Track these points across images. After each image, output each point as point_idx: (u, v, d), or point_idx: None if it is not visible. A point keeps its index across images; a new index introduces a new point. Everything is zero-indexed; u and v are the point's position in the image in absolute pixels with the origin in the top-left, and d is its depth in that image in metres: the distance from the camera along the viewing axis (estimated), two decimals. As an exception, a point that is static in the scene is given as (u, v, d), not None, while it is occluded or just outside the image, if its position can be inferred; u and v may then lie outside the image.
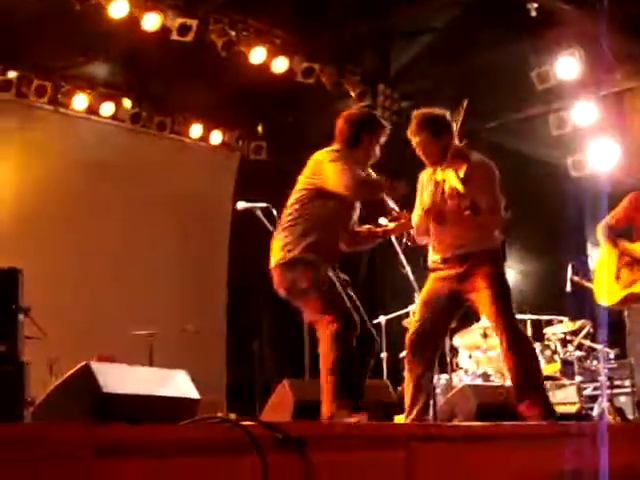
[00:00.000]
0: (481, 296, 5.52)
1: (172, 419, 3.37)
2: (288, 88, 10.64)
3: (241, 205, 6.62)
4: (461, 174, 5.50)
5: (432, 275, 5.76)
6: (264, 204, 6.47)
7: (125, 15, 8.83)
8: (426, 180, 5.77)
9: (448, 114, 5.77)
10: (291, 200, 5.44)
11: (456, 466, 3.80)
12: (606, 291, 7.22)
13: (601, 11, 10.58)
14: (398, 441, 3.50)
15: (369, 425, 4.05)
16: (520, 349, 5.43)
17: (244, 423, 3.01)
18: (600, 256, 7.48)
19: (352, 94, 10.82)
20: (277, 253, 5.33)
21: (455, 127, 5.69)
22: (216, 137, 11.66)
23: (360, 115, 5.63)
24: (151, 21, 8.98)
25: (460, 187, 5.42)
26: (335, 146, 5.45)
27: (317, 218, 5.32)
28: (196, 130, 11.45)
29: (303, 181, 5.41)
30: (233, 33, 9.56)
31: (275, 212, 6.37)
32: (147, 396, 3.97)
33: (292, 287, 5.27)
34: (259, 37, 9.85)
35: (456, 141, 5.68)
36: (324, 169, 5.28)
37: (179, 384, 4.35)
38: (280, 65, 10.10)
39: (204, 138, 11.59)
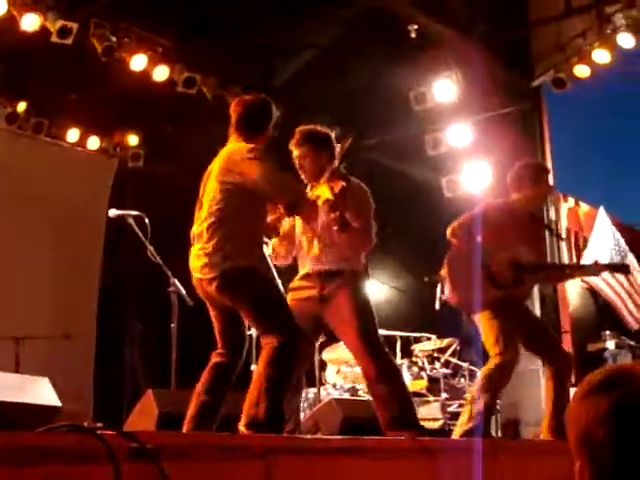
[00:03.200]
0: (343, 321, 5.49)
1: (30, 426, 3.31)
2: (169, 97, 10.57)
3: (113, 212, 6.54)
4: (336, 190, 5.51)
5: (292, 296, 5.66)
6: (136, 212, 6.39)
7: (3, 14, 8.63)
8: None
9: (333, 134, 5.83)
10: (210, 203, 5.09)
11: (315, 478, 3.83)
12: None
13: (479, 37, 10.89)
14: (256, 452, 3.51)
15: (227, 436, 4.03)
16: (385, 376, 5.40)
17: (100, 432, 2.98)
18: None
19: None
20: (217, 262, 4.97)
21: (339, 151, 5.72)
22: (93, 143, 11.48)
23: (261, 101, 5.41)
24: (30, 22, 8.77)
25: (331, 197, 5.41)
26: (239, 137, 5.21)
27: (252, 221, 5.12)
28: (73, 135, 11.25)
29: (219, 185, 5.08)
30: (114, 39, 9.42)
31: (147, 220, 6.33)
32: (3, 402, 3.89)
33: (235, 298, 5.01)
34: (141, 44, 9.74)
35: (336, 162, 5.74)
36: (253, 169, 5.00)
37: (40, 391, 4.28)
38: (161, 73, 9.99)
39: (81, 143, 11.39)
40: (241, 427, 4.64)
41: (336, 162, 5.71)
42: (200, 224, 5.13)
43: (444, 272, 6.51)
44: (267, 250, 5.77)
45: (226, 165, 5.11)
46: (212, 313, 5.17)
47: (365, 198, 5.76)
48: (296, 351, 4.90)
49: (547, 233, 8.56)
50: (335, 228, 5.35)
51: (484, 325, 6.29)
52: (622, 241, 11.66)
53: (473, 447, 4.87)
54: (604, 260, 11.15)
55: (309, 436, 5.40)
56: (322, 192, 5.58)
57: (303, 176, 5.69)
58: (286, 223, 5.78)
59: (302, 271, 5.75)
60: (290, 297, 5.64)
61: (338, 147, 5.79)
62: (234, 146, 5.20)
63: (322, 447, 4.05)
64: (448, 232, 6.40)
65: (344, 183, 5.53)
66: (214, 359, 5.08)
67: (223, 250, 4.98)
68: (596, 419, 1.43)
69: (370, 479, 4.12)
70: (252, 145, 5.14)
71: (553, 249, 10.47)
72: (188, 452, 3.26)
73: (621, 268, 7.37)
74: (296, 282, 5.76)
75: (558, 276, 7.30)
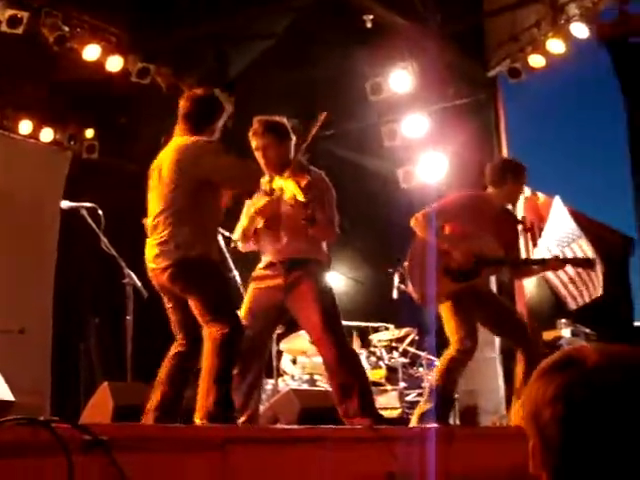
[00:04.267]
0: (305, 309, 5.54)
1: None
2: (123, 88, 10.46)
3: (66, 204, 6.47)
4: (302, 185, 5.52)
5: (255, 285, 5.75)
6: (89, 204, 6.32)
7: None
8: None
9: (291, 124, 5.84)
10: (165, 195, 5.08)
11: (273, 468, 3.80)
12: None
13: (434, 27, 10.91)
14: (213, 443, 3.48)
15: (183, 428, 4.00)
16: (346, 364, 5.45)
17: (52, 425, 2.93)
18: None
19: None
20: (170, 252, 4.99)
21: (309, 136, 5.71)
22: (47, 134, 11.32)
23: (209, 96, 5.44)
24: (-22, 11, 8.66)
25: (301, 196, 5.45)
26: (185, 130, 5.21)
27: (207, 212, 5.12)
28: (25, 126, 11.09)
29: (172, 177, 5.07)
30: (66, 28, 9.30)
31: (101, 212, 6.27)
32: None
33: (187, 287, 5.00)
34: (93, 34, 9.63)
35: (300, 154, 5.73)
36: (208, 160, 5.03)
37: (-10, 386, 4.20)
38: (114, 64, 9.87)
39: (34, 135, 11.24)
40: (196, 420, 4.63)
41: (301, 153, 5.71)
42: (155, 216, 5.13)
43: (407, 264, 6.54)
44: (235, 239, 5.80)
45: (180, 156, 5.09)
46: (168, 304, 5.16)
47: (328, 190, 5.80)
48: (240, 341, 4.91)
49: (520, 229, 8.65)
50: (303, 223, 5.42)
51: (444, 315, 6.34)
52: (576, 227, 11.73)
53: (430, 435, 4.89)
54: (555, 247, 11.27)
55: (265, 426, 5.38)
56: (288, 186, 5.58)
57: (264, 167, 5.68)
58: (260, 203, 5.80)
59: (265, 259, 5.79)
60: (253, 285, 5.75)
61: (311, 134, 5.80)
62: (184, 139, 5.20)
63: (280, 437, 4.03)
64: (411, 221, 6.42)
65: (309, 177, 5.54)
66: (174, 349, 5.08)
67: (175, 239, 5.00)
68: (545, 399, 1.44)
69: (329, 468, 4.10)
70: (202, 137, 5.14)
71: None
72: (143, 444, 3.23)
73: (586, 263, 7.40)
74: (260, 271, 5.80)
75: (525, 272, 7.35)
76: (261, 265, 5.80)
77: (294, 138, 5.81)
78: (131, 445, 3.17)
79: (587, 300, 11.39)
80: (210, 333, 4.89)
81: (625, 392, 1.40)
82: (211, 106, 5.35)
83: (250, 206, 5.84)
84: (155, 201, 5.15)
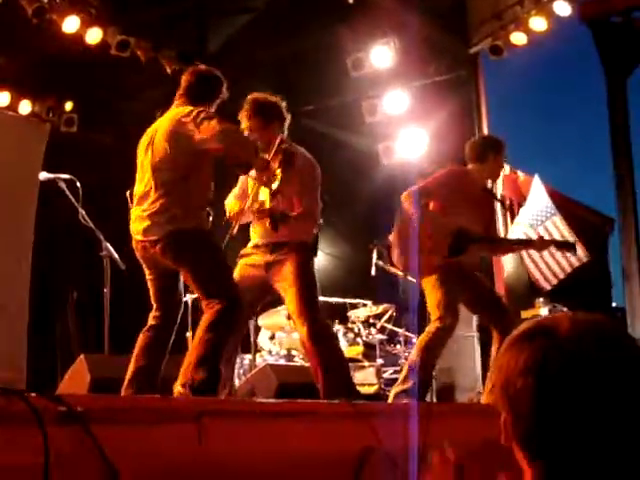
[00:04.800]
0: (286, 285, 5.60)
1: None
2: (103, 61, 10.39)
3: (44, 175, 6.44)
4: (277, 181, 5.50)
5: (242, 261, 5.83)
6: (67, 176, 6.28)
7: None
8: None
9: (283, 103, 5.81)
10: (157, 164, 5.03)
11: (249, 442, 3.79)
12: None
13: (416, 3, 10.87)
14: (189, 415, 3.47)
15: (158, 399, 3.99)
16: (322, 340, 5.53)
17: (26, 395, 2.91)
18: None
19: (168, 70, 10.66)
20: (163, 224, 4.94)
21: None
22: (25, 106, 11.22)
23: (212, 73, 5.42)
24: (-43, -18, 8.57)
25: (268, 204, 5.47)
26: (185, 104, 5.18)
27: (199, 183, 5.08)
28: (3, 98, 10.98)
29: (165, 145, 5.01)
30: (46, 0, 9.22)
31: (79, 184, 6.23)
32: None
33: (179, 260, 4.97)
34: (73, 6, 9.56)
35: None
36: (205, 127, 4.94)
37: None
38: (94, 36, 9.80)
39: (12, 107, 11.12)
40: (177, 387, 4.62)
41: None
42: (145, 184, 5.05)
43: (392, 237, 6.54)
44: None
45: (175, 126, 5.05)
46: (149, 277, 5.13)
47: (310, 177, 5.80)
48: (236, 317, 4.92)
49: (499, 207, 8.68)
50: (268, 225, 5.50)
51: (427, 290, 6.35)
52: (552, 205, 11.74)
53: (407, 411, 4.89)
54: (529, 226, 11.29)
55: (242, 399, 5.38)
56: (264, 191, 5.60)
57: None
58: (243, 184, 5.81)
59: (253, 240, 5.86)
60: (241, 262, 5.82)
61: (289, 117, 5.81)
62: (181, 109, 5.15)
63: (256, 410, 4.02)
64: (402, 196, 6.42)
65: (290, 163, 5.53)
66: (150, 322, 5.05)
67: (169, 211, 4.95)
68: (516, 369, 1.43)
69: (305, 442, 4.09)
70: (201, 107, 5.10)
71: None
72: (118, 415, 3.21)
73: (567, 245, 7.42)
74: (248, 249, 5.87)
75: (503, 249, 7.39)
76: (250, 244, 5.88)
77: (287, 118, 5.79)
78: (106, 417, 3.15)
79: (556, 281, 11.43)
80: (206, 307, 4.91)
81: (598, 361, 1.40)
82: (213, 83, 5.34)
83: (246, 187, 5.83)
84: (146, 169, 5.09)
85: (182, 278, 5.08)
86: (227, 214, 5.83)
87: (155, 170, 5.02)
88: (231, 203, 5.87)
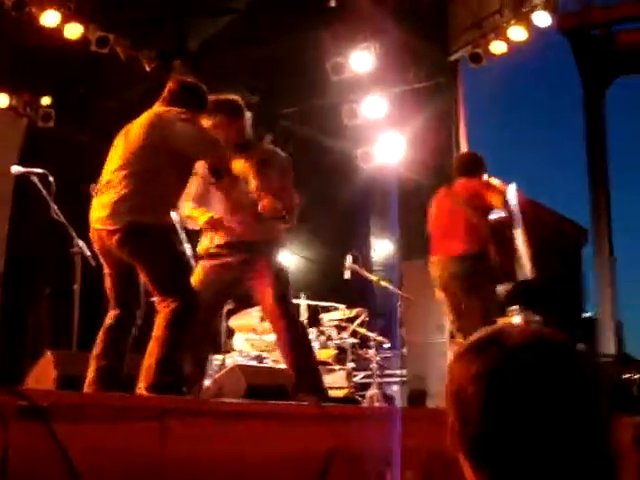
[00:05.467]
0: (260, 286, 5.63)
1: None
2: (82, 58, 10.34)
3: (16, 169, 6.36)
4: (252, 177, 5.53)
5: (203, 262, 5.76)
6: (41, 170, 6.23)
7: None
8: None
9: (243, 102, 5.83)
10: (128, 155, 4.95)
11: (212, 441, 3.79)
12: None
13: (397, 9, 10.90)
14: (152, 413, 3.46)
15: (122, 396, 3.98)
16: (295, 339, 5.59)
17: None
18: None
19: (147, 68, 10.64)
20: (123, 213, 4.82)
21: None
22: (2, 100, 11.15)
23: (197, 86, 5.39)
24: None
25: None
26: (166, 105, 5.16)
27: (169, 181, 5.00)
28: (-20, 92, 10.93)
29: (140, 137, 4.96)
30: (25, -7, 9.18)
31: (52, 179, 6.19)
32: None
33: (136, 253, 4.86)
34: (52, 0, 9.50)
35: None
36: (185, 129, 4.95)
37: None
38: (73, 31, 9.73)
39: (-12, 100, 11.07)
40: (139, 390, 4.58)
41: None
42: (111, 173, 4.97)
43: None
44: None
45: (154, 120, 5.02)
46: (106, 270, 5.05)
47: (285, 171, 5.80)
48: (193, 316, 4.86)
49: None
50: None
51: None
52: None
53: (376, 414, 4.91)
54: None
55: (205, 399, 5.37)
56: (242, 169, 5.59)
57: None
58: (199, 188, 5.77)
59: (220, 239, 5.75)
60: (207, 262, 5.75)
61: (249, 115, 5.81)
62: (165, 108, 5.12)
63: (220, 410, 4.02)
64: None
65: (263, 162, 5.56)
66: (108, 320, 4.98)
67: (131, 201, 4.85)
68: (467, 377, 1.45)
69: (270, 444, 4.09)
70: (184, 109, 5.08)
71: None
72: (80, 412, 3.20)
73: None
74: (215, 249, 5.77)
75: None
76: (216, 242, 5.78)
77: (248, 115, 5.80)
78: (68, 413, 3.14)
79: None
80: (160, 305, 4.83)
81: (545, 370, 1.41)
82: (197, 95, 5.29)
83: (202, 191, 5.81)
84: (115, 161, 5.01)
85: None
86: (198, 222, 5.75)
87: (125, 160, 4.94)
88: (197, 211, 5.80)
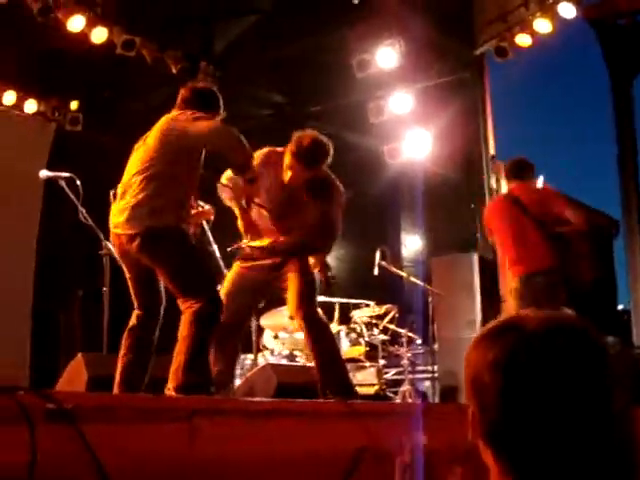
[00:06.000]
0: (290, 286, 5.69)
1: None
2: (108, 61, 10.41)
3: (44, 174, 6.42)
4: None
5: (240, 263, 5.81)
6: (68, 174, 6.28)
7: None
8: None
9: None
10: (145, 160, 4.97)
11: (241, 441, 3.79)
12: None
13: (422, 4, 10.87)
14: (180, 414, 3.47)
15: (150, 398, 3.99)
16: (321, 342, 5.63)
17: (14, 391, 2.91)
18: None
19: (173, 70, 10.68)
20: (142, 218, 4.86)
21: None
22: (31, 106, 11.24)
23: (210, 90, 5.48)
24: (-39, -19, 8.58)
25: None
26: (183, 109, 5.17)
27: (184, 182, 5.03)
28: (9, 97, 11.01)
29: (157, 140, 4.98)
30: (51, -1, 9.24)
31: (79, 182, 6.24)
32: None
33: (157, 257, 4.91)
34: (78, 4, 9.57)
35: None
36: (203, 125, 4.94)
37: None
38: (99, 35, 9.81)
39: (18, 106, 11.16)
40: (167, 391, 4.60)
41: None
42: (130, 178, 5.01)
43: None
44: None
45: (170, 122, 5.04)
46: (128, 274, 5.09)
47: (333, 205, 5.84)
48: (217, 315, 4.88)
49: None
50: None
51: None
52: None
53: (404, 411, 4.89)
54: None
55: (234, 398, 5.39)
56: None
57: None
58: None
59: (256, 241, 5.78)
60: (239, 263, 5.81)
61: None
62: (179, 112, 5.14)
63: (249, 409, 4.02)
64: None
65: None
66: (132, 322, 5.03)
67: (149, 205, 4.88)
68: (485, 364, 1.45)
69: (297, 442, 4.09)
70: (198, 111, 5.11)
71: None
72: (108, 413, 3.21)
73: None
74: (248, 250, 5.82)
75: None
76: (252, 245, 5.81)
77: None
78: (97, 415, 3.15)
79: None
80: (184, 306, 4.85)
81: (563, 355, 1.41)
82: (210, 99, 5.33)
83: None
84: (134, 165, 5.05)
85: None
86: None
87: (143, 164, 4.96)
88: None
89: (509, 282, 7.29)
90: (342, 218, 5.89)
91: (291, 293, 5.70)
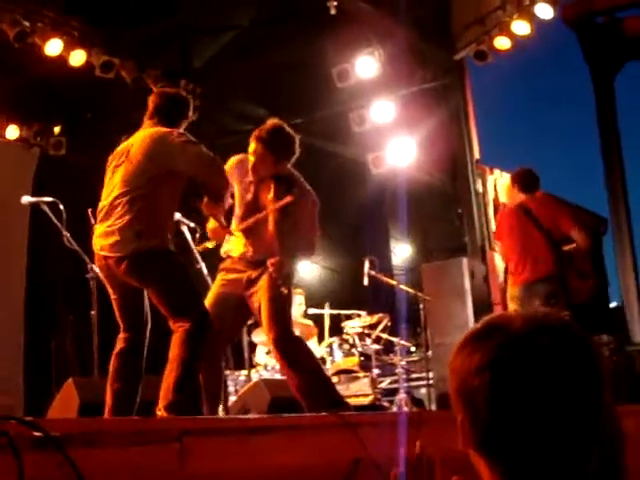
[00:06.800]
0: (261, 305, 5.51)
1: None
2: (88, 83, 10.37)
3: (26, 199, 6.41)
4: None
5: (222, 275, 5.72)
6: (50, 199, 6.25)
7: None
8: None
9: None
10: (128, 180, 4.96)
11: (233, 459, 3.77)
12: None
13: (399, 11, 10.86)
14: (170, 435, 3.44)
15: (138, 420, 3.96)
16: (296, 359, 5.45)
17: (6, 421, 2.88)
18: None
19: (154, 89, 10.65)
20: (129, 240, 4.85)
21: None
22: (12, 132, 11.18)
23: (177, 94, 5.54)
24: None
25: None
26: (156, 125, 5.15)
27: (168, 203, 5.05)
28: (-10, 124, 10.97)
29: (142, 161, 4.96)
30: (27, 23, 9.18)
31: (62, 207, 6.21)
32: None
33: (145, 279, 4.93)
34: (55, 28, 9.52)
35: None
36: (186, 150, 4.96)
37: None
38: (78, 58, 9.75)
39: (-1, 133, 11.11)
40: (158, 411, 4.58)
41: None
42: (113, 199, 4.98)
43: None
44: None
45: (157, 144, 5.02)
46: (113, 296, 5.08)
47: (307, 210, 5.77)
48: (206, 333, 4.86)
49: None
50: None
51: None
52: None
53: (396, 420, 4.85)
54: None
55: (224, 416, 5.36)
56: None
57: None
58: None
59: (234, 254, 5.72)
60: (220, 276, 5.71)
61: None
62: (157, 129, 5.12)
63: (238, 427, 3.99)
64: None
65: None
66: (118, 345, 5.00)
67: (136, 227, 4.88)
68: (471, 368, 1.41)
69: (291, 457, 4.07)
70: (178, 129, 5.09)
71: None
72: (97, 438, 3.18)
73: None
74: (228, 262, 5.75)
75: None
76: (230, 257, 5.77)
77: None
78: (86, 440, 3.12)
79: None
80: (174, 326, 4.85)
81: (550, 355, 1.39)
82: (180, 104, 5.35)
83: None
84: (116, 185, 5.01)
85: (147, 296, 5.02)
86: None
87: (127, 186, 4.95)
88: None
89: (510, 289, 7.44)
90: (319, 224, 5.84)
91: (263, 313, 5.51)
